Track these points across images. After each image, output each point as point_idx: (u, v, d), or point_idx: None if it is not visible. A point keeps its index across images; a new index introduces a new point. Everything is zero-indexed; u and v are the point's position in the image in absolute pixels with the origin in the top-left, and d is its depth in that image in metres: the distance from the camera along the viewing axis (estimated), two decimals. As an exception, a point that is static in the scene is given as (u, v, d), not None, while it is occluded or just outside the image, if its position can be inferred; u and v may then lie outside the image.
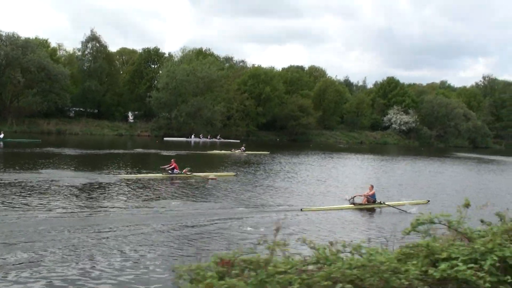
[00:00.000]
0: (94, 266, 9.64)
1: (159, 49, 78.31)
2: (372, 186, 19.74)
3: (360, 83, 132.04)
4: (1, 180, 19.85)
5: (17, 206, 15.04)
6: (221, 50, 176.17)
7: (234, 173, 27.12)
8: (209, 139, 64.37)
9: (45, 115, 65.84)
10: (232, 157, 39.93)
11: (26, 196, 16.80)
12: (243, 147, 45.44)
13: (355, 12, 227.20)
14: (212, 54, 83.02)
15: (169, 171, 24.62)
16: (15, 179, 20.35)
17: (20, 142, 43.35)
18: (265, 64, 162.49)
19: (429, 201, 20.70)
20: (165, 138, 59.88)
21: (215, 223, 14.28)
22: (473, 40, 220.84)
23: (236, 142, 59.04)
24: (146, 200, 17.68)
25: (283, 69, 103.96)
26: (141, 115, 76.98)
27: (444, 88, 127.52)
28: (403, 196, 22.31)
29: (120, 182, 21.78)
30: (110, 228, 12.87)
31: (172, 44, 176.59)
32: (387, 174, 34.73)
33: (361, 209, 18.42)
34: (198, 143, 57.84)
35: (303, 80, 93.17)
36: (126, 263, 9.98)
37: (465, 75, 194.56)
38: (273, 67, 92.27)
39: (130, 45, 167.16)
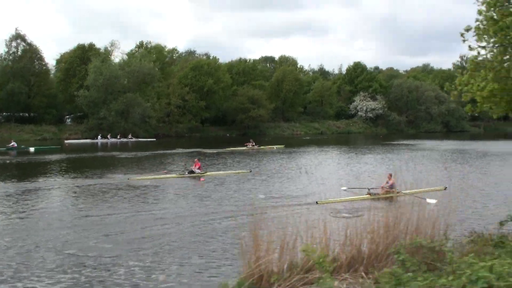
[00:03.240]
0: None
1: (94, 45, 73.08)
2: (390, 175, 18.58)
3: (336, 71, 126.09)
4: None
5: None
6: (223, 46, 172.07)
7: (248, 170, 26.30)
8: (119, 139, 58.97)
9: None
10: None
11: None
12: (252, 142, 45.08)
13: (357, 1, 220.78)
14: (155, 47, 77.39)
15: (195, 171, 24.09)
16: None
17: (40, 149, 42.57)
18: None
19: (446, 187, 18.94)
20: (66, 141, 54.42)
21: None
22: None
23: (152, 140, 53.85)
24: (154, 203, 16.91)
25: (255, 60, 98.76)
26: (79, 116, 71.94)
27: (426, 72, 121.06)
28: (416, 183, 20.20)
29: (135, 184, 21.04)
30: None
31: (173, 43, 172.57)
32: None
33: (378, 199, 17.42)
34: (106, 144, 52.40)
35: (258, 70, 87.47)
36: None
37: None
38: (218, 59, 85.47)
39: (131, 45, 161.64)
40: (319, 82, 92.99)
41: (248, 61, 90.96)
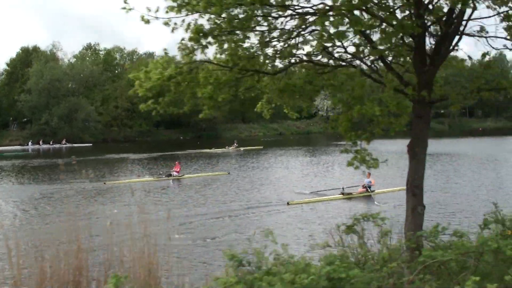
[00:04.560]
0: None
1: (39, 48, 70.22)
2: (369, 174, 17.58)
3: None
4: None
5: None
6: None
7: (227, 172, 26.70)
8: (51, 145, 56.48)
9: None
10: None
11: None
12: (235, 144, 46.62)
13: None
14: (101, 50, 74.81)
15: (173, 174, 24.41)
16: None
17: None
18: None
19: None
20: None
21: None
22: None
23: (87, 146, 51.47)
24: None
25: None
26: (24, 122, 69.05)
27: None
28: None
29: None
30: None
31: (150, 46, 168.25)
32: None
33: (350, 199, 17.62)
34: (39, 151, 49.87)
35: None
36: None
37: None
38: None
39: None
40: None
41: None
